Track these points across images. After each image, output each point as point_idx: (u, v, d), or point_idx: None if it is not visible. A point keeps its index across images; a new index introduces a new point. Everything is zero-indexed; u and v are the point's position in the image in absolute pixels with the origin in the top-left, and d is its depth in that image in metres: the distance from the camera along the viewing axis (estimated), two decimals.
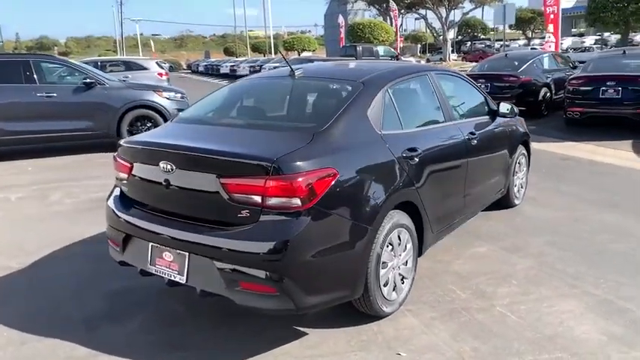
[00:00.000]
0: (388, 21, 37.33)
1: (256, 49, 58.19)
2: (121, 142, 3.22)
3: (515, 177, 5.03)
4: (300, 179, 2.51)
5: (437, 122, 3.71)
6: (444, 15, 35.52)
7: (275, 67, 26.47)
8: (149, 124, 9.11)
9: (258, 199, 2.53)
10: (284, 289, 2.52)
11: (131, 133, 9.03)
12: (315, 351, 2.83)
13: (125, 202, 3.17)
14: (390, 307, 3.10)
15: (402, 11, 38.41)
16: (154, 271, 2.91)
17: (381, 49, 22.25)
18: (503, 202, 4.96)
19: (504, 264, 3.89)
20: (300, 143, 2.69)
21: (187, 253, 2.74)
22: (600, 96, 8.66)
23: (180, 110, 9.43)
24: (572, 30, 48.79)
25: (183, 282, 2.76)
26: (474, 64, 19.80)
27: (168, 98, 9.35)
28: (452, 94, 4.01)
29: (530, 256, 4.02)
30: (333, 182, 2.63)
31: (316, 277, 2.61)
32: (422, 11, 39.29)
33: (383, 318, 3.11)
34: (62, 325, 3.20)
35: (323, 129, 2.83)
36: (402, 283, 3.23)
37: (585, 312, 3.16)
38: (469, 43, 49.80)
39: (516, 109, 4.56)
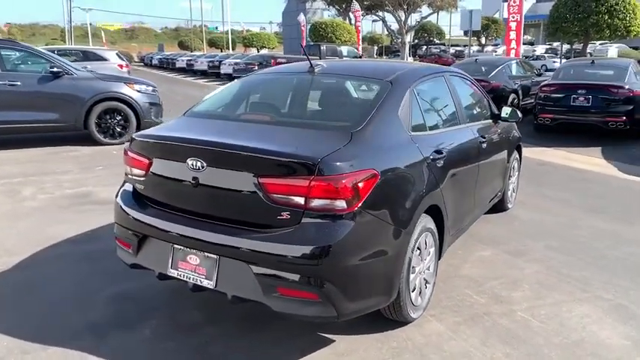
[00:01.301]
0: (347, 22, 37.48)
1: (213, 43, 57.06)
2: (135, 135, 2.99)
3: (510, 181, 5.10)
4: (344, 180, 2.40)
5: (454, 124, 3.69)
6: (402, 18, 36.06)
7: (236, 63, 26.02)
8: (119, 118, 8.73)
9: (300, 200, 2.40)
10: (326, 296, 2.41)
11: (99, 126, 8.63)
12: (347, 359, 2.73)
13: (139, 200, 2.95)
14: (416, 312, 3.04)
15: (362, 13, 38.69)
16: (175, 275, 2.72)
17: (344, 50, 22.27)
18: (498, 206, 5.02)
19: (512, 268, 3.91)
20: (340, 142, 2.58)
21: (217, 257, 2.57)
22: (571, 103, 8.97)
23: (152, 104, 9.18)
24: (522, 38, 50.55)
25: (212, 287, 2.59)
26: None
27: (139, 91, 8.97)
28: (463, 96, 4.00)
29: (535, 260, 4.06)
30: (374, 184, 2.53)
31: (358, 282, 2.52)
32: (380, 14, 39.73)
33: (408, 324, 3.05)
34: (66, 332, 2.96)
35: (359, 128, 2.73)
36: (426, 288, 3.18)
37: (603, 316, 3.21)
38: (425, 47, 50.79)
39: (519, 113, 4.60)
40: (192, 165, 2.59)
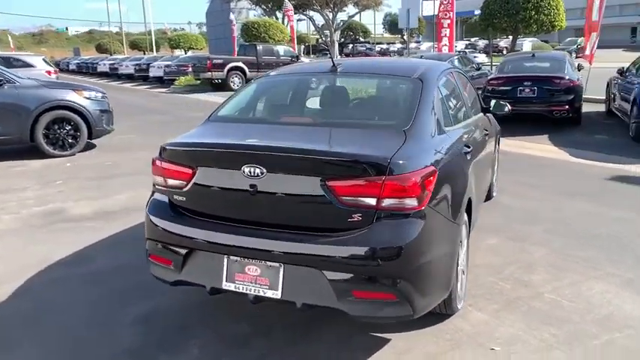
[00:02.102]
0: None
1: (135, 46, 54.67)
2: (169, 144, 2.81)
3: (494, 169, 5.32)
4: (414, 178, 2.41)
5: (467, 118, 3.79)
6: (330, 17, 36.53)
7: (167, 65, 25.05)
8: (68, 127, 8.17)
9: (372, 201, 2.38)
10: (403, 295, 2.40)
11: (47, 137, 8.04)
12: (411, 356, 2.74)
13: (178, 212, 2.78)
14: (460, 303, 3.11)
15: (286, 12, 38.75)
16: (232, 289, 2.59)
17: (281, 49, 22.14)
18: (487, 195, 5.21)
19: (521, 253, 4.09)
20: (398, 141, 2.58)
21: (281, 265, 2.48)
22: (517, 95, 9.48)
23: (103, 111, 8.67)
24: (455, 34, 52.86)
25: (278, 297, 2.50)
26: None
27: (88, 98, 8.45)
28: (466, 91, 4.12)
29: (539, 244, 4.26)
30: (435, 181, 2.55)
31: (430, 278, 2.53)
32: (308, 13, 39.99)
33: (451, 316, 3.10)
34: None
35: (409, 126, 2.74)
36: (463, 279, 3.25)
37: (620, 291, 3.43)
38: (351, 45, 51.77)
39: (508, 106, 4.80)
40: (250, 172, 2.47)
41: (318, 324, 3.01)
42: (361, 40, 55.63)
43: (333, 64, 3.32)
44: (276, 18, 38.87)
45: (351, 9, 39.64)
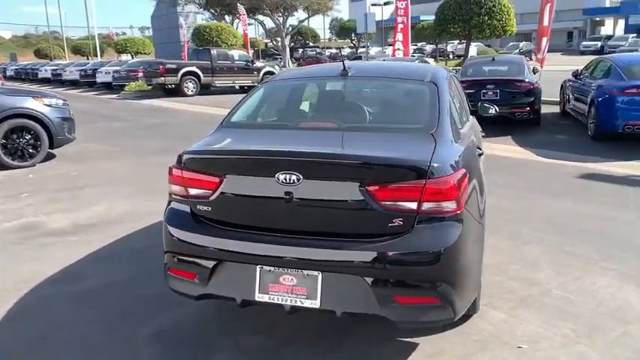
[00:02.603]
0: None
1: (78, 50, 52.41)
2: (191, 152, 2.70)
3: None
4: (452, 181, 2.42)
5: (468, 120, 3.84)
6: (281, 22, 36.51)
7: (116, 71, 24.19)
8: (28, 137, 7.72)
9: (413, 205, 2.36)
10: (446, 297, 2.40)
11: (5, 147, 7.56)
12: (443, 359, 2.74)
13: (202, 222, 2.66)
14: (481, 302, 3.14)
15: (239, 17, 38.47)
16: (266, 300, 2.50)
17: (235, 54, 21.86)
18: None
19: (519, 251, 4.20)
20: (430, 144, 2.58)
21: (319, 273, 2.42)
22: (482, 97, 9.75)
23: (64, 119, 8.25)
24: (389, 40, 53.91)
25: (316, 307, 2.43)
26: None
27: (49, 105, 8.02)
28: (462, 94, 4.20)
29: (533, 242, 4.39)
30: (466, 183, 2.57)
31: (468, 280, 2.54)
32: (259, 17, 39.79)
33: (471, 317, 3.13)
34: None
35: (435, 130, 2.75)
36: None
37: (622, 285, 3.58)
38: (301, 50, 51.91)
39: (496, 108, 4.92)
40: (285, 179, 2.40)
41: (345, 332, 2.96)
42: (311, 44, 55.92)
43: (344, 68, 3.29)
44: (226, 22, 38.44)
45: (301, 14, 39.79)
